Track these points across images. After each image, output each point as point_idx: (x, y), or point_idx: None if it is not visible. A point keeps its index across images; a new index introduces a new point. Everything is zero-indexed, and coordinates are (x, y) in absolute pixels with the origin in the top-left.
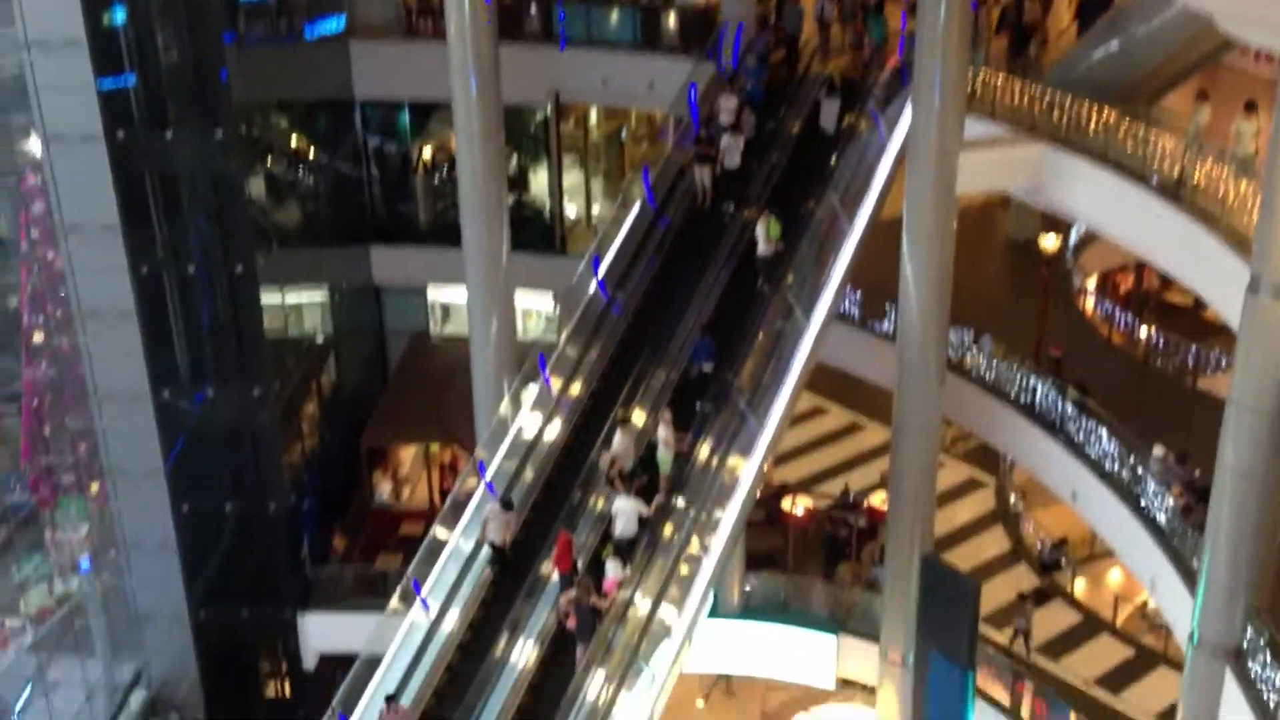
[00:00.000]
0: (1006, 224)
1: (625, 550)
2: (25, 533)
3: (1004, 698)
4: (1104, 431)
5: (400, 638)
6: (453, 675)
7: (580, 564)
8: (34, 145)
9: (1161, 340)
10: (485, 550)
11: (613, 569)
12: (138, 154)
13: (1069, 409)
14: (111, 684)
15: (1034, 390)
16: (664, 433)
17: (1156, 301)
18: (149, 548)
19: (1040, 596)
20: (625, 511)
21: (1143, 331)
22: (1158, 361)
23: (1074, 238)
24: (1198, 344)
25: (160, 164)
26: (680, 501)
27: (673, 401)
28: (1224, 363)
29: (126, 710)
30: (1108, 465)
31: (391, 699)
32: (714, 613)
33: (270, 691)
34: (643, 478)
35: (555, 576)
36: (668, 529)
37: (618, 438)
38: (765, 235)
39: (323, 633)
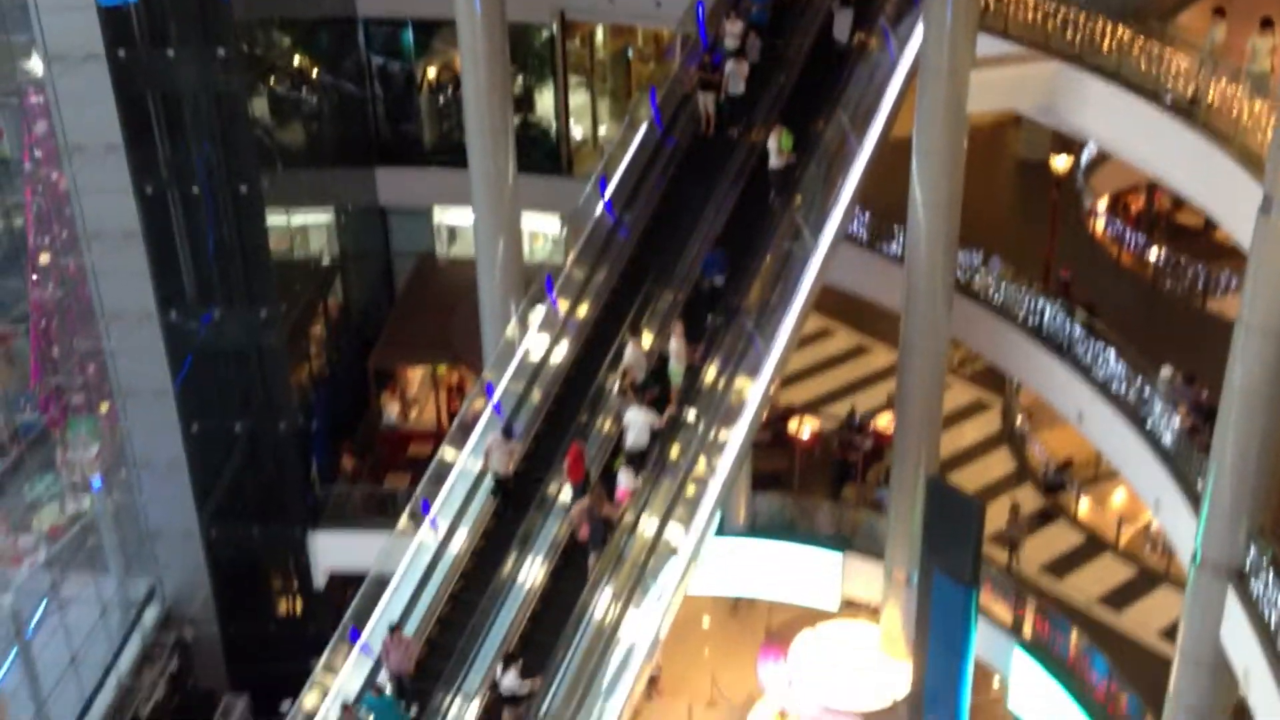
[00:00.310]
0: (1017, 144)
1: (637, 461)
2: (36, 452)
3: (1006, 616)
4: (1111, 353)
5: (409, 556)
6: (461, 593)
7: (592, 475)
8: (36, 65)
9: (1171, 261)
10: (490, 478)
11: (625, 479)
12: (140, 73)
13: (1077, 331)
14: (125, 600)
15: (1042, 312)
16: (675, 345)
17: (1167, 223)
18: (159, 466)
19: (1044, 517)
20: (637, 423)
21: (1152, 253)
22: (1167, 283)
23: (1085, 158)
24: (1207, 265)
25: (162, 83)
26: (691, 414)
27: (684, 315)
28: (1234, 284)
29: (141, 625)
30: (1115, 387)
31: (395, 628)
32: (720, 533)
33: (282, 608)
34: (654, 390)
35: (566, 491)
36: (676, 448)
37: (629, 350)
38: (777, 148)
39: (332, 551)
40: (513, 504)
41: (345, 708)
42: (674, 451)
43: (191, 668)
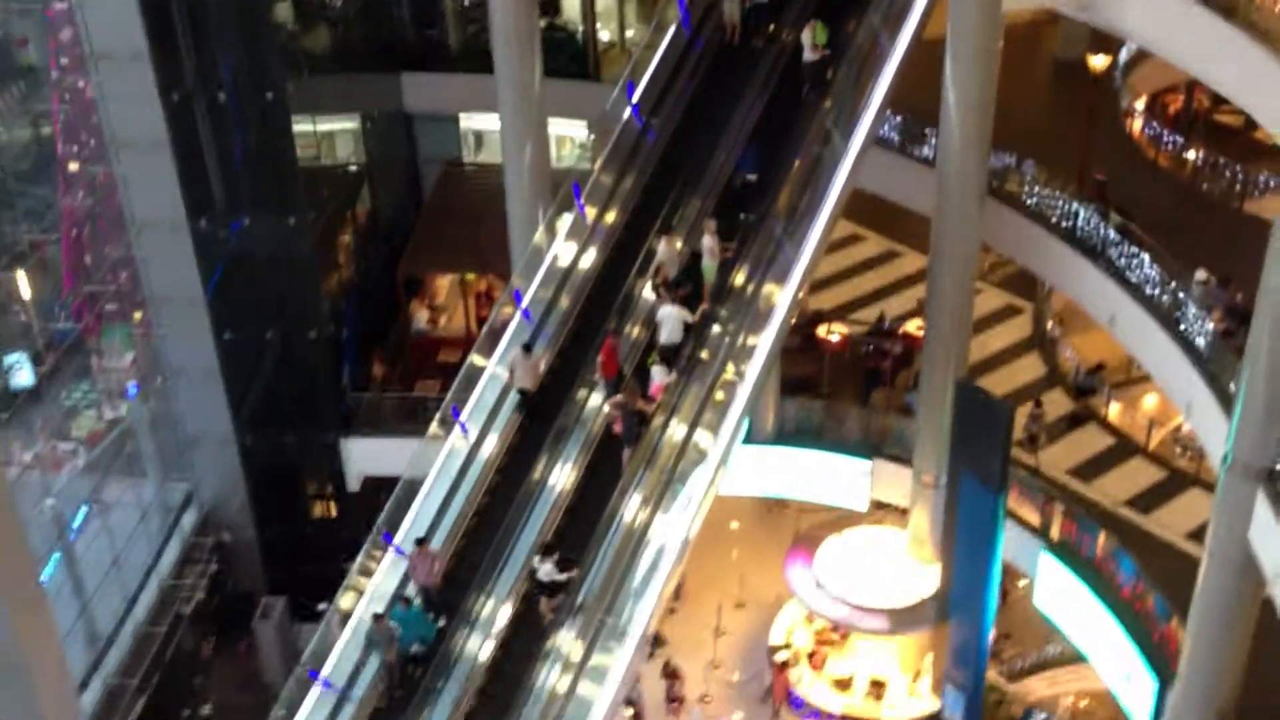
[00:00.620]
0: (1054, 43)
1: (670, 357)
2: (72, 360)
3: (1034, 519)
4: (1146, 256)
5: (441, 461)
6: (496, 489)
7: (626, 370)
8: None
9: (1209, 162)
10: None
11: (658, 374)
12: None
13: (1111, 234)
14: (164, 504)
15: (1076, 215)
16: (708, 241)
17: (1205, 122)
18: (194, 374)
19: (1073, 421)
20: (670, 318)
21: (1190, 153)
22: (1204, 184)
23: (1123, 57)
24: (1246, 166)
25: None
26: (723, 311)
27: (717, 212)
28: (1272, 185)
29: (180, 529)
30: (1148, 290)
31: (421, 542)
32: (749, 439)
33: (316, 512)
34: (687, 286)
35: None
36: (706, 351)
37: (662, 247)
38: (811, 41)
39: (364, 457)
40: (539, 418)
41: (376, 618)
42: (706, 348)
43: (230, 570)
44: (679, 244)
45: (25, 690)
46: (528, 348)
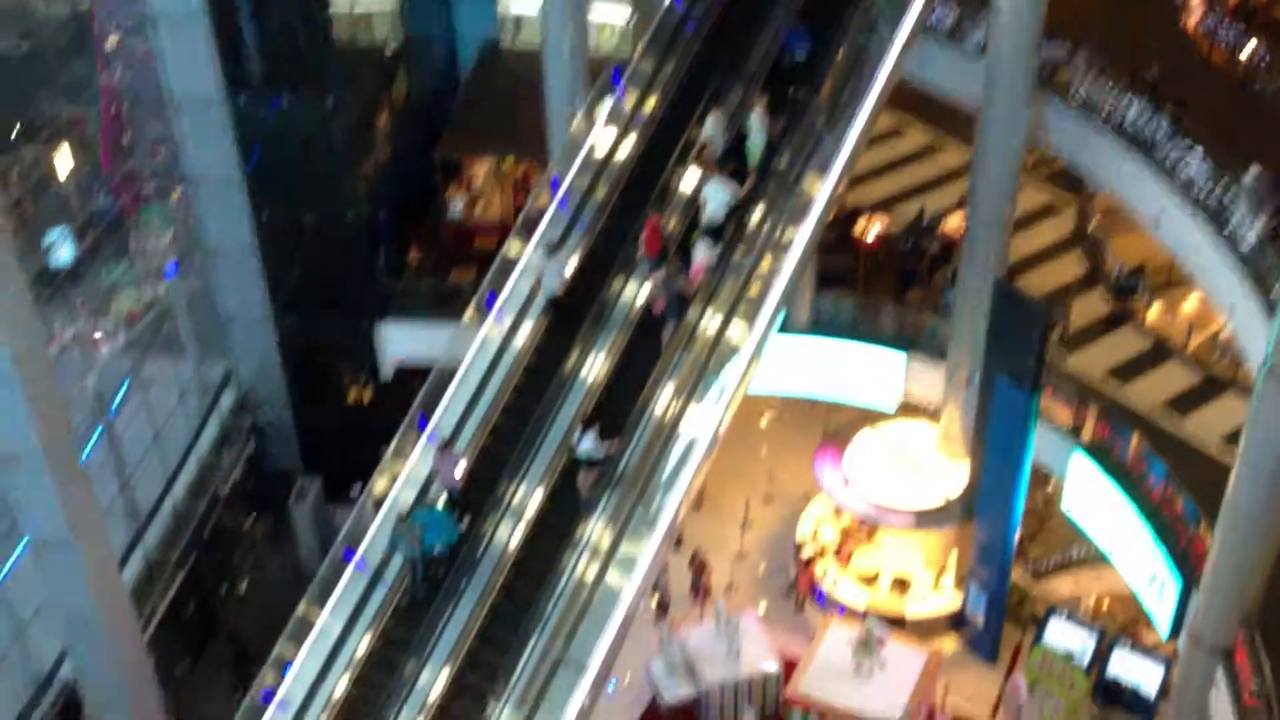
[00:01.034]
0: None
1: (714, 234)
2: (111, 238)
3: (1067, 420)
4: (1197, 153)
5: (475, 348)
6: (535, 367)
7: (669, 248)
8: None
9: (1265, 58)
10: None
11: (701, 252)
12: None
13: (1162, 130)
14: (202, 384)
15: (1127, 110)
16: (756, 118)
17: (1265, 17)
18: (231, 255)
19: (1112, 322)
20: (715, 196)
21: (1247, 49)
22: (1260, 81)
23: None
24: None
25: None
26: (769, 189)
27: (765, 89)
28: None
29: (218, 409)
30: (1197, 189)
31: (445, 444)
32: (783, 331)
33: (352, 396)
34: (732, 163)
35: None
36: (752, 223)
37: (709, 122)
38: None
39: (399, 342)
40: (570, 320)
41: (400, 518)
42: (750, 227)
43: (267, 451)
44: (726, 120)
45: (69, 563)
46: (554, 248)
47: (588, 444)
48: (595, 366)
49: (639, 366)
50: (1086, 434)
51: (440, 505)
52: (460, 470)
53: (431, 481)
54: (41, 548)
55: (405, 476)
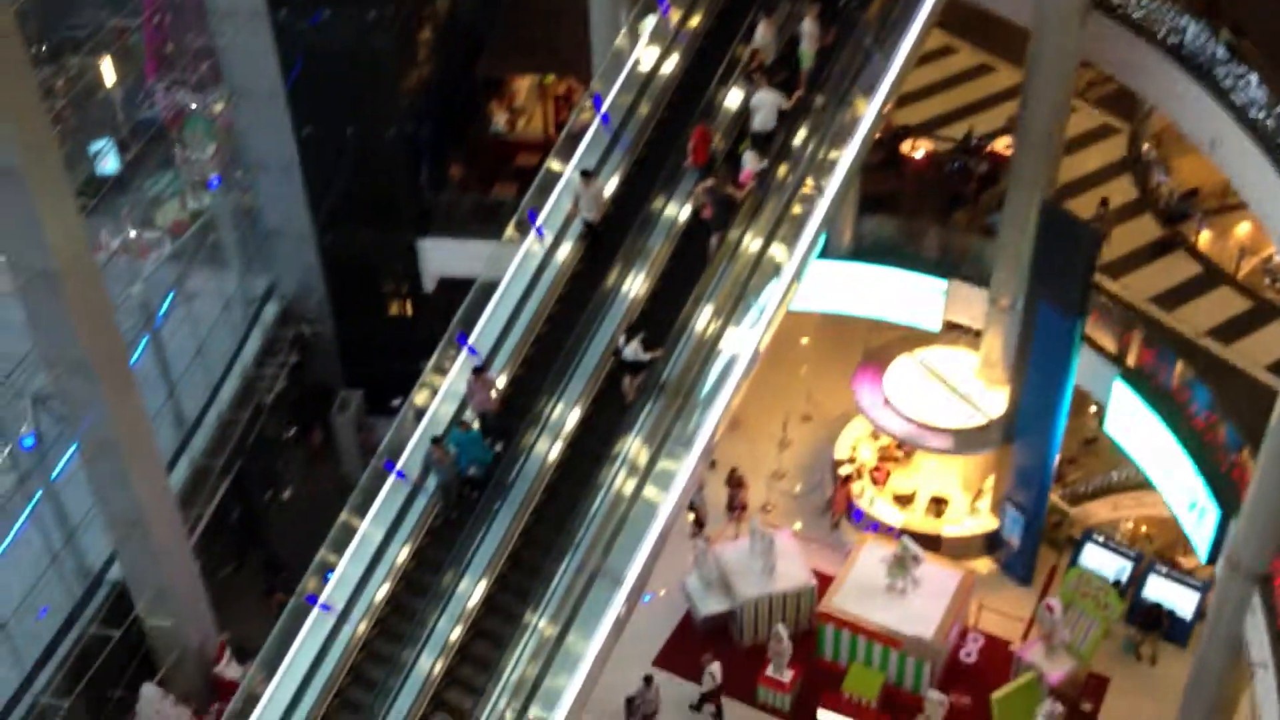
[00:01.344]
0: None
1: (763, 143)
2: (156, 149)
3: (1111, 345)
4: (1254, 77)
5: (516, 264)
6: (580, 274)
7: (717, 156)
8: None
9: None
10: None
11: (750, 160)
12: None
13: (1219, 51)
14: (246, 296)
15: (1184, 31)
16: (808, 26)
17: None
18: (274, 168)
19: (1162, 247)
20: (765, 104)
21: None
22: None
23: None
24: None
25: None
26: (817, 102)
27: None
28: None
29: (261, 321)
30: (1254, 112)
31: (480, 370)
32: (825, 253)
33: (393, 310)
34: (783, 72)
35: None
36: (801, 134)
37: (760, 31)
38: None
39: (441, 257)
40: (603, 248)
41: (434, 441)
42: (796, 144)
43: (309, 363)
44: (776, 29)
45: (118, 466)
46: (589, 173)
47: (632, 351)
48: (640, 278)
49: (684, 278)
50: (1130, 359)
51: (474, 428)
52: (494, 396)
53: (466, 406)
54: (92, 451)
55: (444, 391)
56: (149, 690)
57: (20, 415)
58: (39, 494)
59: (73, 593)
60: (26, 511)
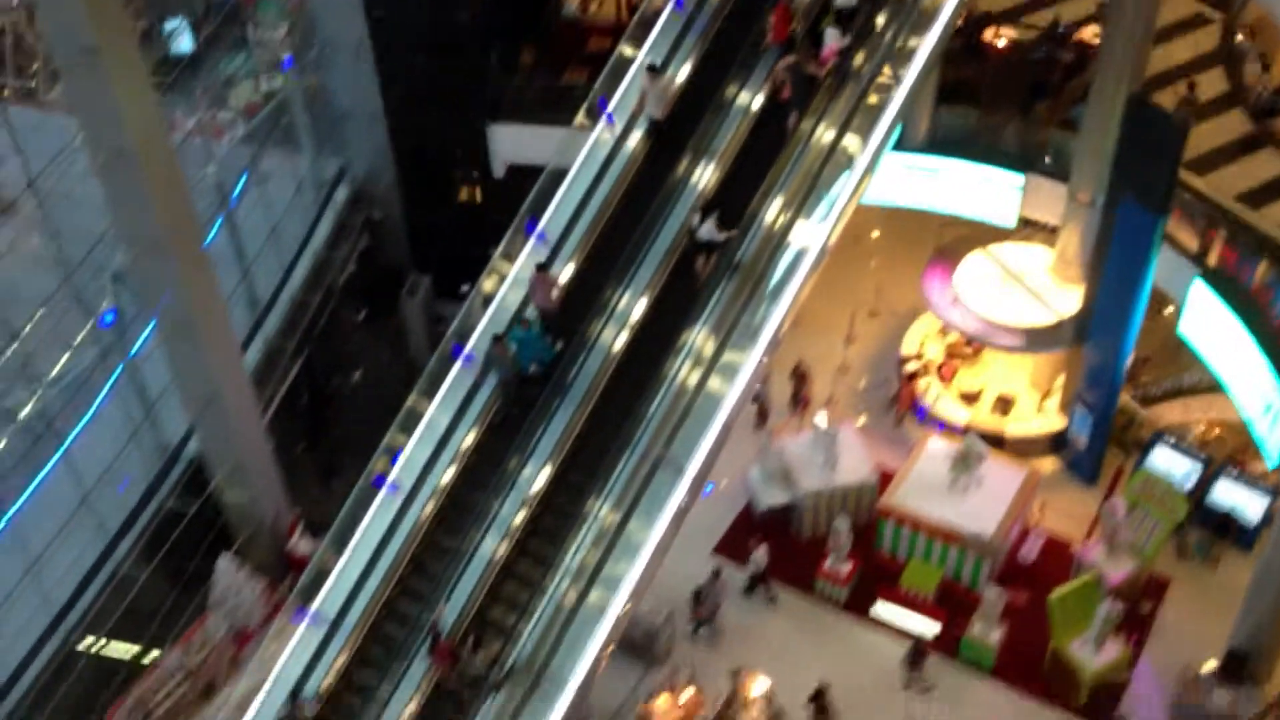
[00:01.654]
0: None
1: (846, 19)
2: (229, 29)
3: (1192, 244)
4: None
5: (585, 152)
6: (637, 186)
7: (797, 34)
8: None
9: None
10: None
11: (832, 37)
12: None
13: None
14: (318, 178)
15: None
16: None
17: None
18: (345, 50)
19: (1250, 144)
20: None
21: None
22: None
23: None
24: None
25: None
26: None
27: None
28: None
29: (332, 204)
30: None
31: (542, 267)
32: (900, 145)
33: (463, 196)
34: None
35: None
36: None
37: None
38: None
39: (510, 143)
40: (671, 142)
41: (495, 339)
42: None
43: (379, 247)
44: None
45: (194, 344)
46: (655, 69)
47: (706, 230)
48: (710, 167)
49: (756, 168)
50: (1211, 259)
51: (535, 326)
52: (555, 294)
53: (528, 303)
54: (169, 329)
55: (512, 277)
56: (225, 562)
57: (100, 292)
58: (119, 369)
59: (152, 467)
60: (107, 386)
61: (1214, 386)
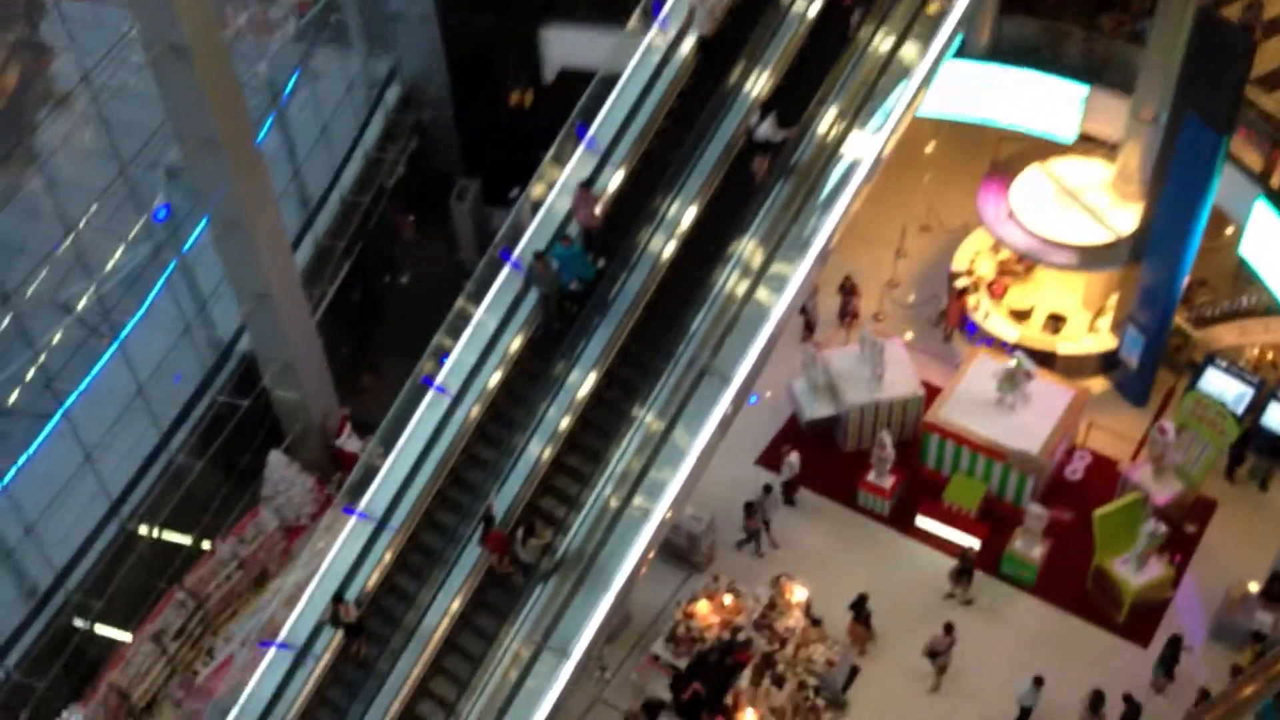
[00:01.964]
0: None
1: None
2: None
3: (1256, 163)
4: None
5: (637, 58)
6: (687, 98)
7: None
8: None
9: None
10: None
11: None
12: None
13: None
14: (369, 78)
15: None
16: None
17: None
18: None
19: None
20: None
21: None
22: None
23: None
24: None
25: None
26: None
27: None
28: None
29: (383, 105)
30: None
31: (585, 184)
32: (960, 53)
33: (513, 99)
34: None
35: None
36: None
37: None
38: None
39: (562, 46)
40: (721, 57)
41: (537, 256)
42: None
43: (429, 149)
44: None
45: (246, 241)
46: None
47: (766, 128)
48: (770, 64)
49: (811, 75)
50: (1276, 179)
51: (576, 243)
52: (598, 212)
53: (570, 220)
54: (221, 227)
55: (561, 184)
56: (275, 457)
57: (154, 187)
58: (172, 265)
59: (204, 362)
60: (160, 281)
61: (1271, 308)
